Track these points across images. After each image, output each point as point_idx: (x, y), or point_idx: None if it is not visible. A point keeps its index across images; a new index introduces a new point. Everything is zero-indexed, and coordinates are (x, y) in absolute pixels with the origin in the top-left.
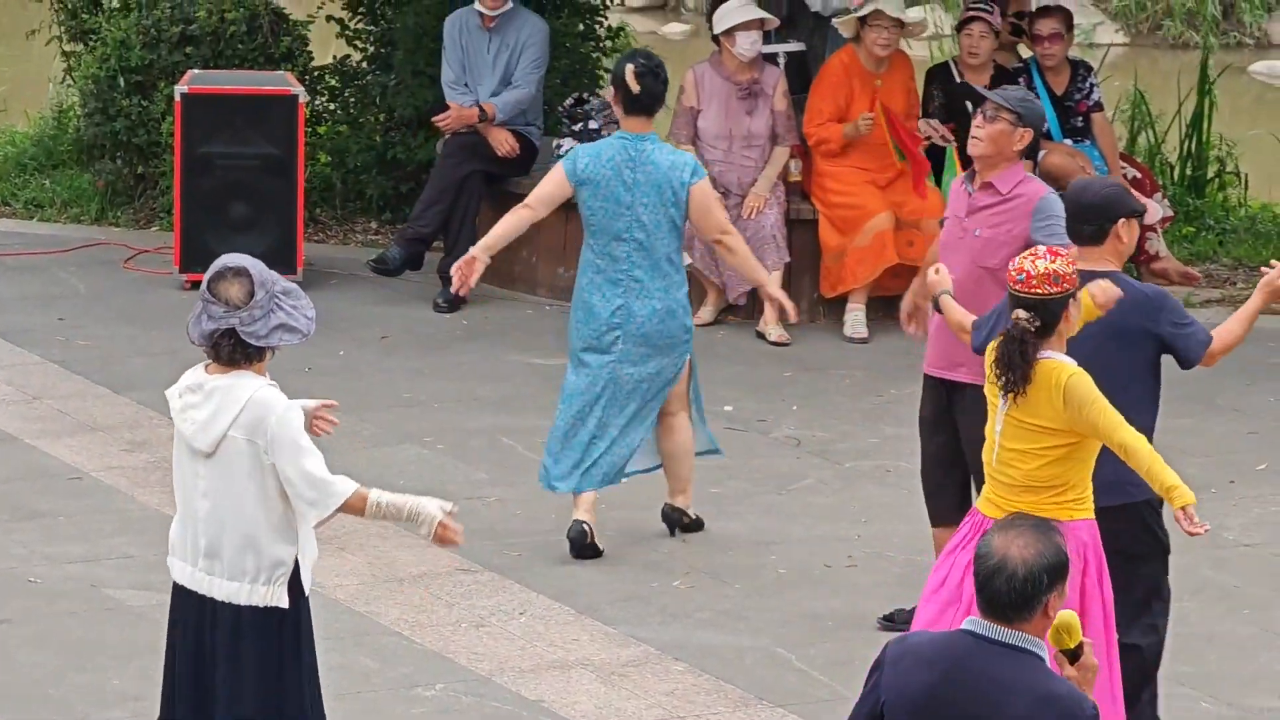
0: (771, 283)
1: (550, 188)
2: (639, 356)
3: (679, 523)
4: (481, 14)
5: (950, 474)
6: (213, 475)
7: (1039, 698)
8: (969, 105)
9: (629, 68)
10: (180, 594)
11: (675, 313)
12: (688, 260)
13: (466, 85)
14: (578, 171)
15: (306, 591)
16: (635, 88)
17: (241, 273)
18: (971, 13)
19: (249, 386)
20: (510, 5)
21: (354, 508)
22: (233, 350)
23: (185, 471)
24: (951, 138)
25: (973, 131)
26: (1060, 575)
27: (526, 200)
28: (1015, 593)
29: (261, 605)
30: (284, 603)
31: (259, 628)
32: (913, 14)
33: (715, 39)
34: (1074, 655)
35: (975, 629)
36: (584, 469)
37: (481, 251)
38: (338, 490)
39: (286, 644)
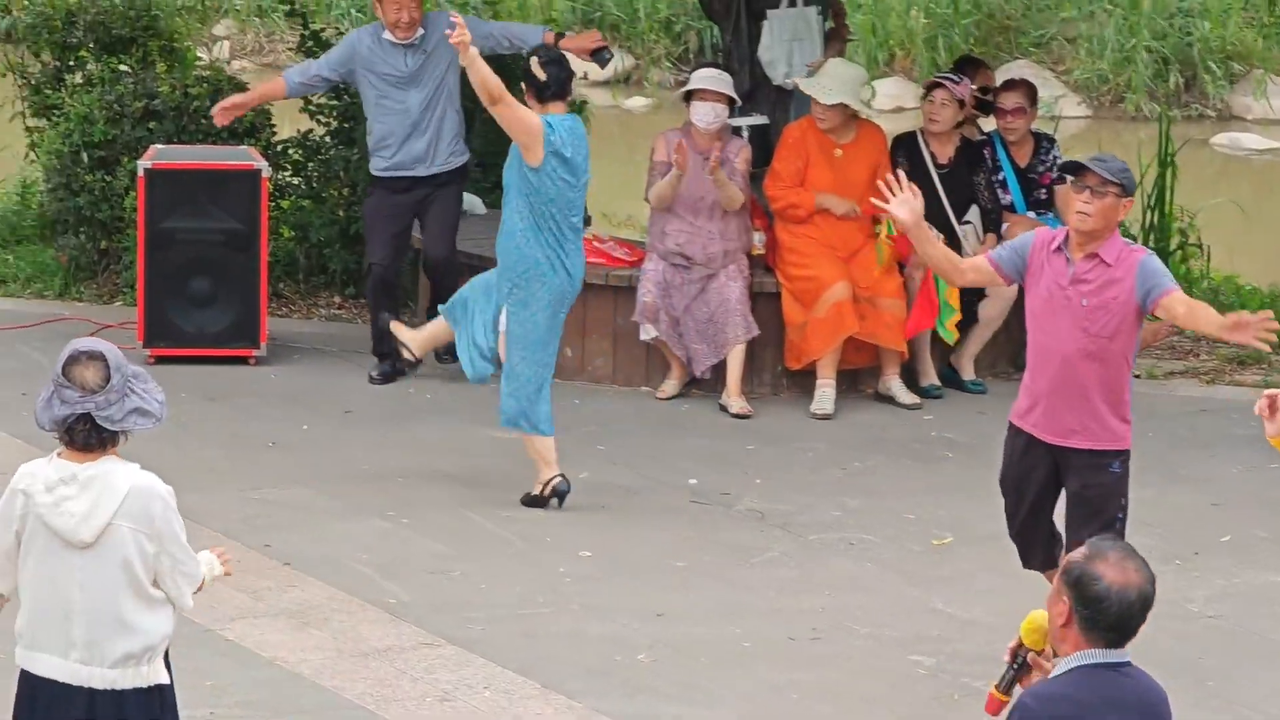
0: None
1: (529, 117)
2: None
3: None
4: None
5: (1042, 524)
6: (89, 565)
7: (1161, 696)
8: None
9: (534, 60)
10: (46, 688)
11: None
12: (653, 333)
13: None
14: (554, 142)
15: (169, 663)
16: (542, 75)
17: (96, 357)
18: (935, 80)
19: (125, 474)
20: (422, 30)
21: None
22: (88, 435)
23: (53, 564)
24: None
25: (1079, 207)
26: None
27: (504, 95)
28: (1146, 615)
29: (145, 686)
30: (165, 679)
31: (142, 707)
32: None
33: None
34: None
35: (1113, 659)
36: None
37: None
38: (203, 562)
39: (166, 715)
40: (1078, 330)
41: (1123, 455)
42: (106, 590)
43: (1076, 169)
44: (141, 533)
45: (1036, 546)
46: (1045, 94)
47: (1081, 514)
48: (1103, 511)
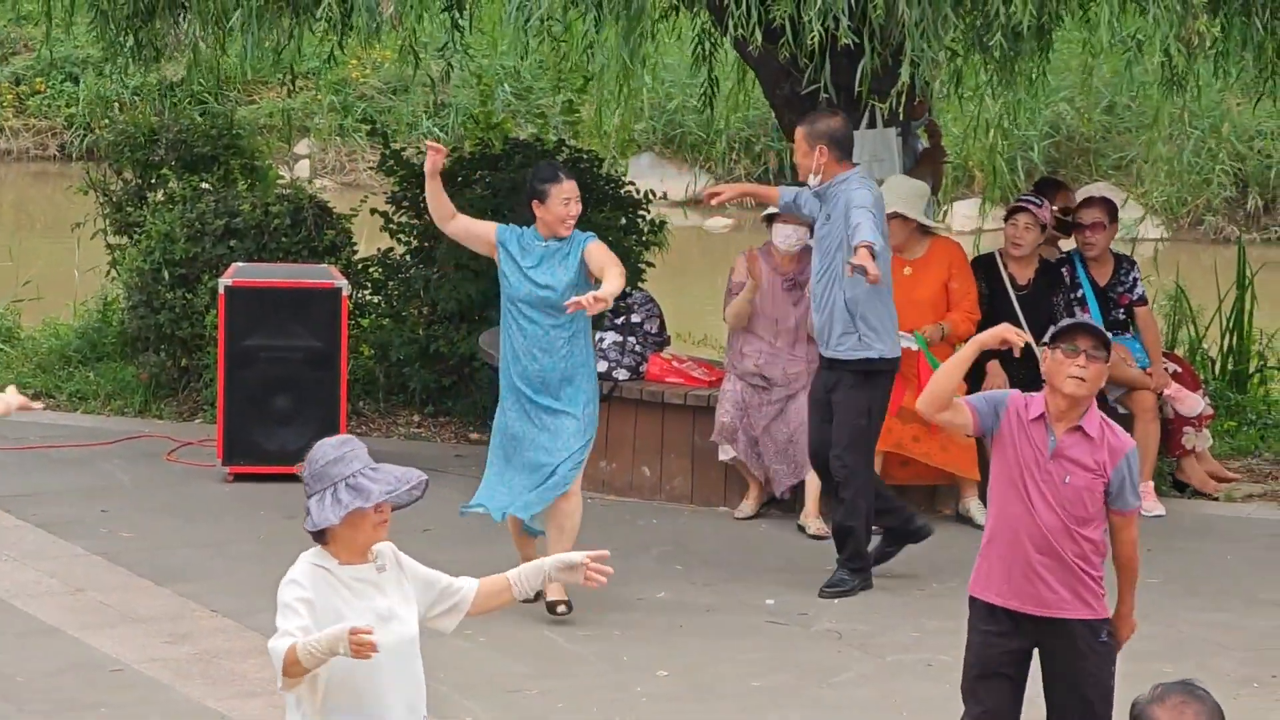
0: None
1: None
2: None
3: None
4: None
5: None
6: None
7: None
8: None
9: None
10: None
11: None
12: (731, 454)
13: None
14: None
15: None
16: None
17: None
18: (1019, 203)
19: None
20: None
21: (293, 662)
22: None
23: None
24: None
25: (1073, 372)
26: None
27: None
28: None
29: None
30: None
31: None
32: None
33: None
34: None
35: None
36: None
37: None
38: (277, 653)
39: None
40: (1056, 507)
41: (1107, 624)
42: None
43: (1067, 332)
44: None
45: None
46: (1124, 215)
47: (1063, 699)
48: (1088, 695)
